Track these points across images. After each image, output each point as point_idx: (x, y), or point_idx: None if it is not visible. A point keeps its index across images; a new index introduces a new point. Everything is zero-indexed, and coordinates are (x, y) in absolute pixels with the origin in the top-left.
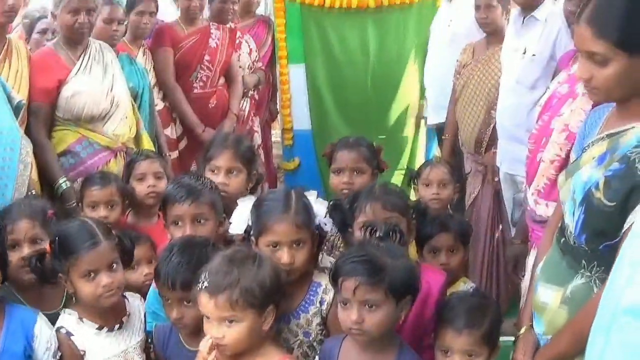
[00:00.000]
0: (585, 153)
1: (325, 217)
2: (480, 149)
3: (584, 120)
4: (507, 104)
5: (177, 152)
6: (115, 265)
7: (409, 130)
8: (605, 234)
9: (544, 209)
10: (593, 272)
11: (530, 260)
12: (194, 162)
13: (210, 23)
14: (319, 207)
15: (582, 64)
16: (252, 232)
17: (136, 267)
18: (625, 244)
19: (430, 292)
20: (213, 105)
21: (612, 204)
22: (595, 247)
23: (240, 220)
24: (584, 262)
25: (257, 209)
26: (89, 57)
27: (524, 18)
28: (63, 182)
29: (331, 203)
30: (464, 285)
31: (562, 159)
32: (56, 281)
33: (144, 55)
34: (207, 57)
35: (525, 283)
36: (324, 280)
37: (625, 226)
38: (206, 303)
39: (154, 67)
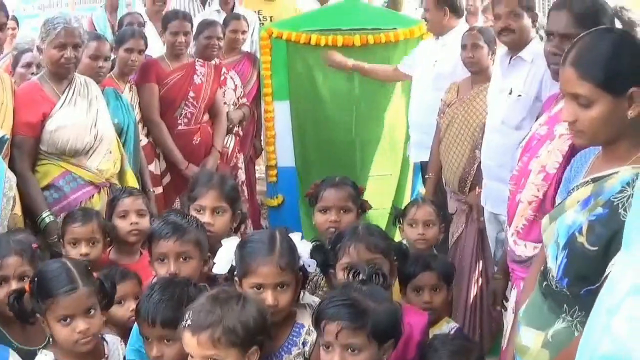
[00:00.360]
0: (570, 197)
1: (309, 258)
2: (464, 188)
3: (561, 162)
4: (492, 144)
5: (160, 187)
6: (92, 311)
7: (394, 169)
8: (587, 278)
9: (523, 249)
10: (574, 317)
11: (511, 299)
12: (178, 198)
13: (196, 59)
14: (303, 248)
15: (567, 107)
16: (235, 273)
17: (123, 302)
18: (603, 291)
19: (412, 334)
20: (197, 142)
21: (595, 248)
22: (577, 292)
23: (224, 260)
24: (565, 306)
25: (241, 250)
26: (74, 91)
27: (510, 58)
28: (46, 216)
29: (313, 244)
30: (447, 325)
31: (539, 199)
32: (34, 320)
33: (130, 91)
34: (191, 94)
35: (507, 319)
36: (306, 322)
37: (607, 271)
38: (189, 341)
39: (139, 103)
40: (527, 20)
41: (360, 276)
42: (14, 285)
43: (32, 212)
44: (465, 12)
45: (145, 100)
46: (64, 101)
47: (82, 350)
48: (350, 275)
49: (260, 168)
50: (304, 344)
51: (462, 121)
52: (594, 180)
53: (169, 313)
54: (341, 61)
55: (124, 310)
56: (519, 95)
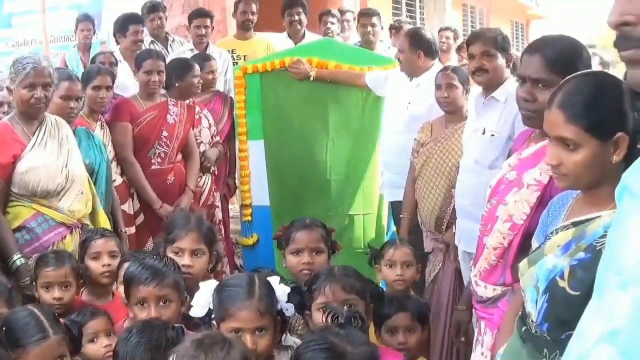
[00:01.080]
0: (550, 241)
1: (286, 302)
2: (441, 227)
3: (528, 214)
4: (466, 183)
5: (133, 227)
6: (64, 359)
7: (369, 208)
8: (568, 323)
9: (483, 290)
10: None
11: (485, 342)
12: (151, 238)
13: (169, 99)
14: (281, 292)
15: (551, 150)
16: (214, 317)
17: (95, 339)
18: (574, 337)
19: None
20: (171, 181)
21: (577, 293)
22: (558, 336)
23: (201, 303)
24: (545, 350)
25: (219, 294)
26: (45, 132)
27: (484, 98)
28: (17, 259)
29: (291, 286)
30: None
31: (503, 247)
32: None
33: (101, 129)
34: (165, 133)
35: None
36: None
37: None
38: None
39: (112, 141)
40: (501, 61)
41: (339, 320)
42: None
43: (2, 254)
44: (439, 53)
45: (119, 139)
46: (35, 142)
47: None
48: (329, 318)
49: (234, 207)
50: None
51: (437, 160)
52: (575, 224)
53: (147, 356)
54: (304, 70)
55: (97, 347)
56: (492, 135)
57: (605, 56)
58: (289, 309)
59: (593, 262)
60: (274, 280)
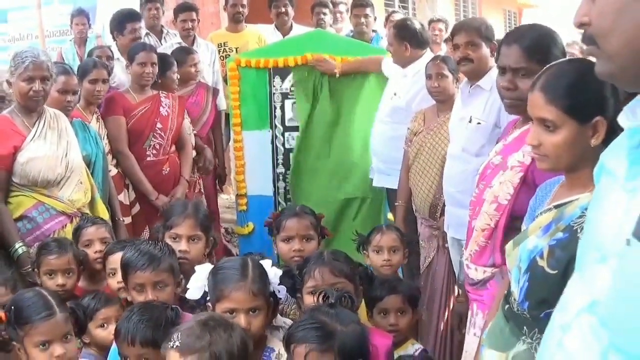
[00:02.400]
0: (533, 223)
1: (278, 284)
2: (435, 214)
3: (512, 194)
4: (453, 171)
5: (129, 217)
6: (69, 337)
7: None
8: (547, 301)
9: (474, 272)
10: (534, 339)
11: (476, 323)
12: (147, 227)
13: (160, 91)
14: (274, 274)
15: (532, 131)
16: (208, 299)
17: (106, 325)
18: (556, 309)
19: (377, 355)
20: (166, 172)
21: (555, 272)
22: (537, 315)
23: (197, 286)
24: (525, 328)
25: (214, 276)
26: (44, 124)
27: (470, 87)
28: (19, 247)
29: (283, 269)
30: (412, 347)
31: (491, 228)
32: (10, 349)
33: (97, 122)
34: (159, 125)
35: (467, 342)
36: (277, 346)
37: None
38: None
39: (107, 135)
40: (485, 50)
41: (329, 300)
42: None
43: (4, 242)
44: (429, 42)
45: (113, 132)
46: (35, 134)
47: None
48: (320, 299)
49: (230, 197)
50: None
51: (430, 149)
52: (556, 207)
53: (148, 333)
54: (330, 67)
55: (107, 333)
56: (478, 123)
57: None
58: (281, 291)
59: (570, 242)
60: (266, 263)
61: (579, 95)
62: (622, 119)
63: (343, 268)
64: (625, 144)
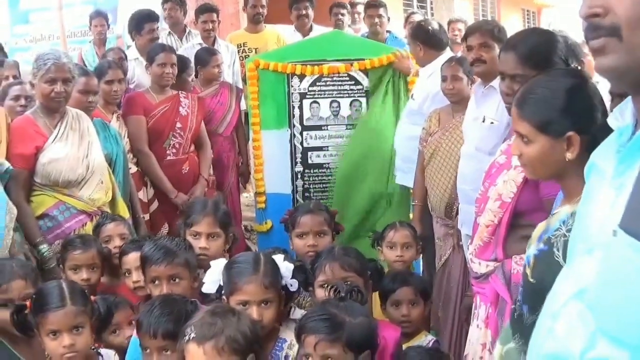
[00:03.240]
0: (534, 231)
1: (290, 277)
2: (450, 214)
3: (515, 192)
4: (467, 169)
5: (148, 214)
6: (80, 329)
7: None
8: (535, 309)
9: (478, 267)
10: (517, 342)
11: (480, 316)
12: (166, 223)
13: (179, 92)
14: (286, 268)
15: (514, 142)
16: (223, 292)
17: (117, 331)
18: (548, 298)
19: (387, 347)
20: (186, 171)
21: (534, 281)
22: (532, 320)
23: (212, 280)
24: (517, 335)
25: (228, 270)
26: (66, 124)
27: (483, 88)
28: (44, 249)
29: (295, 264)
30: (425, 338)
31: (494, 224)
32: (34, 334)
33: (117, 121)
34: (178, 125)
35: (470, 331)
36: (289, 337)
37: None
38: (195, 352)
39: (127, 134)
40: (497, 51)
41: (340, 293)
42: None
43: (27, 240)
44: (446, 43)
45: (134, 132)
46: (57, 135)
47: None
48: (331, 292)
49: (250, 195)
50: (286, 357)
51: (446, 150)
52: (550, 217)
53: (169, 325)
54: (407, 66)
55: (120, 339)
56: (492, 123)
57: (570, 39)
58: (293, 285)
59: (548, 254)
60: (278, 257)
61: (547, 112)
62: (611, 120)
63: (353, 263)
64: (613, 144)
